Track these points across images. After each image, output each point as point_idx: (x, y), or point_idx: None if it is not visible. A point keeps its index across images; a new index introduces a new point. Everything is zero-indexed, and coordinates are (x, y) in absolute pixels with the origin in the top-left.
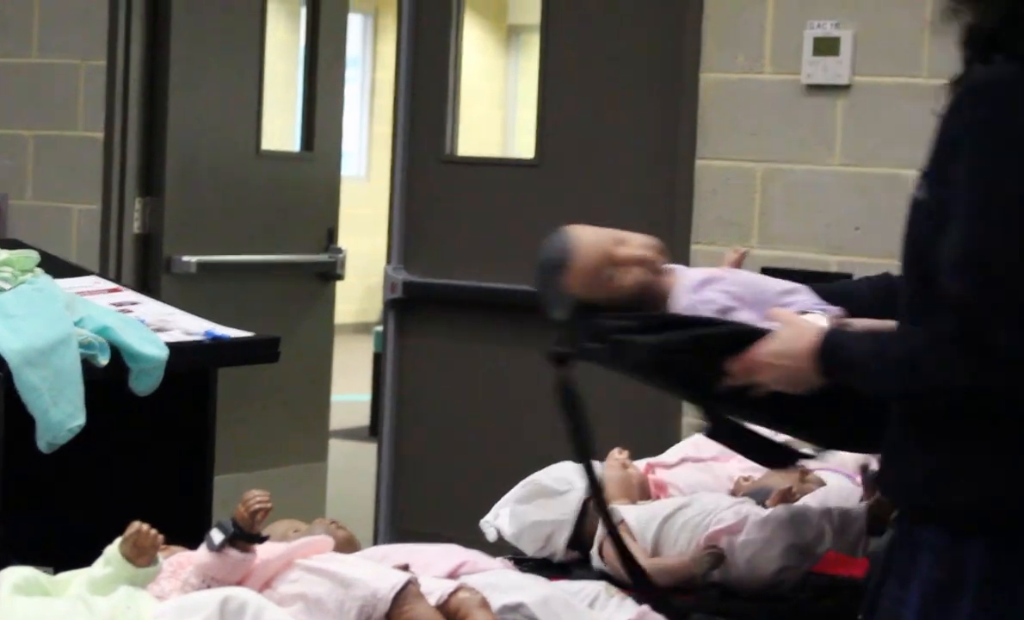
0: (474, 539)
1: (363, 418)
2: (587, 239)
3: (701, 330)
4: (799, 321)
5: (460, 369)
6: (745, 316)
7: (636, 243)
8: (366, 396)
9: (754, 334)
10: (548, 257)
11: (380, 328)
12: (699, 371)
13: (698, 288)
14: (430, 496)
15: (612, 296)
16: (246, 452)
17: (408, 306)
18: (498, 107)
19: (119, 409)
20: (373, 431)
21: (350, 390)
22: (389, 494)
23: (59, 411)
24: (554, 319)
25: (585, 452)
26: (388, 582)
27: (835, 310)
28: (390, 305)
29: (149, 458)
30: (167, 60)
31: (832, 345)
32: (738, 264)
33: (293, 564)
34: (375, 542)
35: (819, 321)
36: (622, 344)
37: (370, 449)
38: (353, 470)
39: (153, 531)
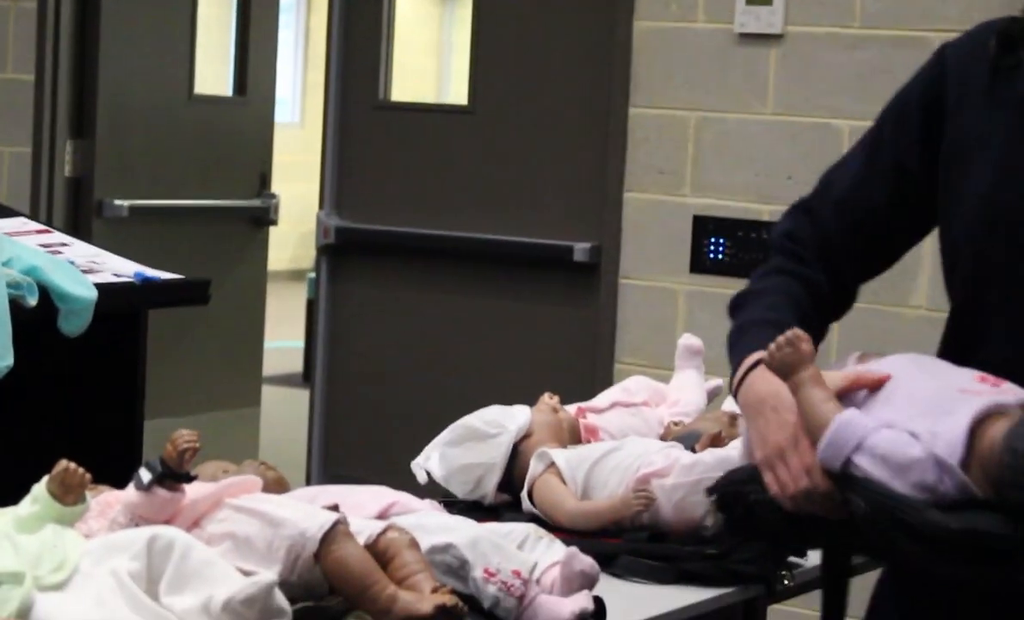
0: (406, 483)
1: (296, 365)
2: None
3: None
4: None
5: (393, 315)
6: None
7: None
8: (299, 343)
9: None
10: None
11: (314, 275)
12: None
13: None
14: (362, 441)
15: None
16: (179, 397)
17: (341, 252)
18: (433, 54)
19: (48, 351)
20: (306, 377)
21: (284, 337)
22: (321, 439)
23: None
24: None
25: None
26: (316, 522)
27: None
28: (323, 251)
29: (79, 400)
30: (98, 2)
31: None
32: None
33: (222, 504)
34: (307, 486)
35: None
36: None
37: (303, 395)
38: (286, 415)
39: (81, 470)
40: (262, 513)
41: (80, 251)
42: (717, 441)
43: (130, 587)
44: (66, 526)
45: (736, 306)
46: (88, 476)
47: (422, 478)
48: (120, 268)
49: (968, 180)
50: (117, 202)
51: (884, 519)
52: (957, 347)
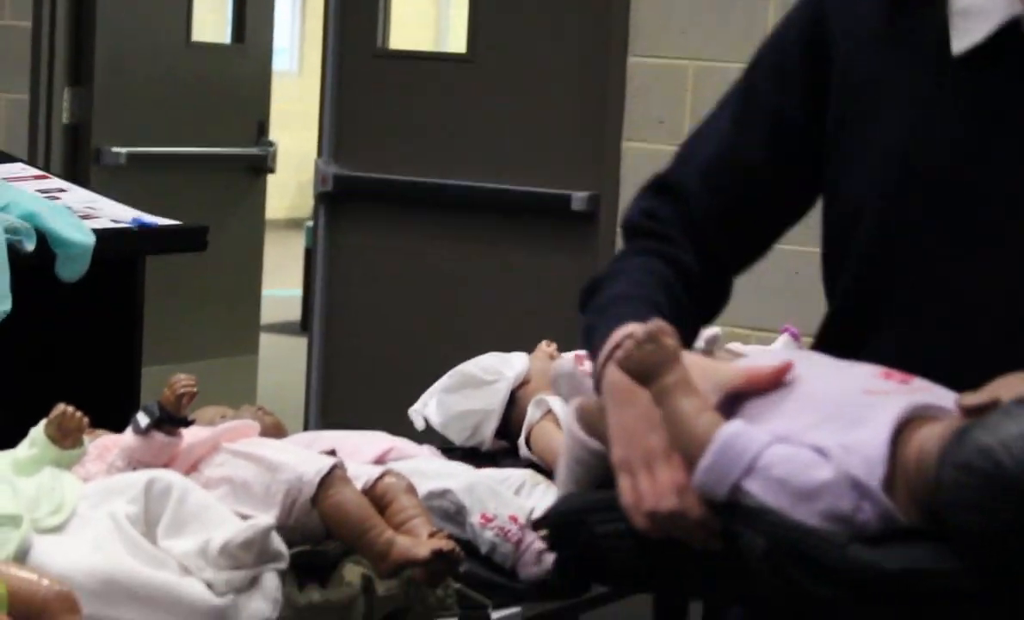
0: (404, 430)
1: (294, 313)
2: None
3: None
4: None
5: (390, 263)
6: None
7: None
8: (297, 291)
9: None
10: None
11: (311, 223)
12: None
13: None
14: (360, 388)
15: None
16: (176, 344)
17: (339, 200)
18: (432, 2)
19: (46, 296)
20: (304, 326)
21: (281, 285)
22: (319, 387)
23: None
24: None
25: None
26: (314, 466)
27: None
28: (321, 198)
29: (76, 346)
30: None
31: None
32: None
33: (219, 448)
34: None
35: None
36: None
37: (300, 343)
38: (283, 363)
39: (78, 413)
40: (259, 457)
41: (77, 197)
42: None
43: (128, 530)
44: (64, 469)
45: (588, 293)
46: (86, 420)
47: (420, 425)
48: (117, 214)
49: (870, 136)
50: (115, 149)
51: (790, 559)
52: (841, 335)
